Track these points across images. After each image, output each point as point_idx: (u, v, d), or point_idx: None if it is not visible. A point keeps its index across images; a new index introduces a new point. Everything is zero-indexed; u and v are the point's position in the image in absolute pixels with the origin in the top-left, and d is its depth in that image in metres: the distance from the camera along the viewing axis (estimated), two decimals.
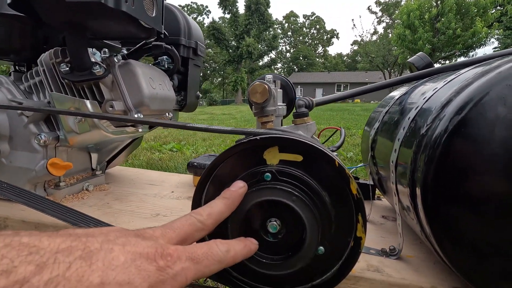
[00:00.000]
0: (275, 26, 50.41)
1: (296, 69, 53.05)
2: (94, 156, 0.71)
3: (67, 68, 0.51)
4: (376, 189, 0.77)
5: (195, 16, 50.78)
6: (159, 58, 0.67)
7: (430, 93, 0.42)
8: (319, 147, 0.36)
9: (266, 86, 0.48)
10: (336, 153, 0.48)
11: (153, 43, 0.61)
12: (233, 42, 37.68)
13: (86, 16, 0.45)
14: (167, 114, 0.66)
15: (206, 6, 51.58)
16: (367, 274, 0.44)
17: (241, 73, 37.87)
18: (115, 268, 0.17)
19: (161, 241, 0.21)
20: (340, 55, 64.12)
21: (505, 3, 7.39)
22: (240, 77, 36.80)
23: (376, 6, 42.51)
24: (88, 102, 0.51)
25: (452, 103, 0.35)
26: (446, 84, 0.40)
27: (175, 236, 0.23)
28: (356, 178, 0.78)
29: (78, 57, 0.51)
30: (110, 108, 0.52)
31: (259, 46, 40.05)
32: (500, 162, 0.31)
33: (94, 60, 0.54)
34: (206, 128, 0.40)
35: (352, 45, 62.23)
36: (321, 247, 0.35)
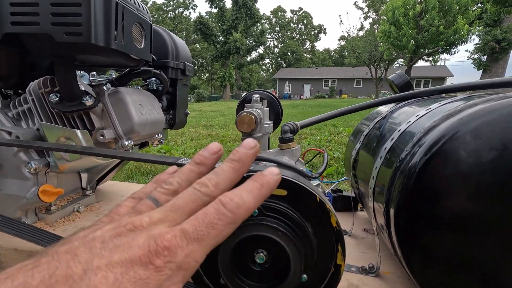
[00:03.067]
0: (263, 21, 50.16)
1: (284, 64, 53.09)
2: (84, 176, 0.71)
3: (57, 98, 0.52)
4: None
5: (181, 10, 49.84)
6: (148, 80, 0.68)
7: (404, 126, 0.45)
8: (302, 184, 0.39)
9: (253, 116, 0.51)
10: (318, 182, 0.51)
11: (142, 68, 0.62)
12: (220, 37, 37.28)
13: (76, 52, 0.46)
14: (156, 135, 0.67)
15: (193, 0, 50.66)
16: None
17: (229, 69, 37.59)
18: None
19: (155, 231, 0.18)
20: (327, 51, 64.53)
21: (485, 1, 7.62)
22: (228, 73, 36.53)
23: (363, 2, 42.97)
24: (78, 132, 0.52)
25: (421, 142, 0.39)
26: (418, 119, 0.44)
27: (179, 218, 0.19)
28: (340, 191, 0.82)
29: (67, 88, 0.51)
30: (101, 137, 0.53)
31: (247, 41, 39.80)
32: (462, 195, 0.35)
33: (83, 88, 0.55)
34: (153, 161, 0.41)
35: (339, 40, 62.74)
36: (305, 275, 0.39)
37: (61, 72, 0.51)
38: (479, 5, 13.79)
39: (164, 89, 0.68)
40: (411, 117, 0.47)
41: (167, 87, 0.69)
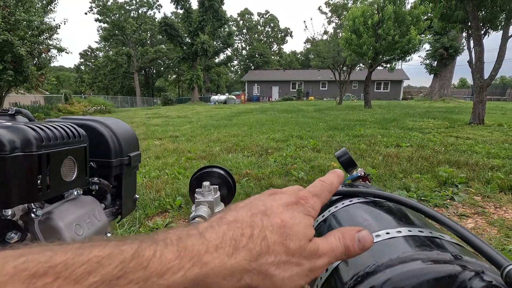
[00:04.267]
0: (230, 23, 50.02)
1: (253, 66, 53.40)
2: None
3: None
4: None
5: (145, 10, 48.00)
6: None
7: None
8: None
9: None
10: None
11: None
12: (187, 39, 36.50)
13: None
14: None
15: (157, 0, 49.01)
16: None
17: (197, 71, 36.95)
18: (283, 213, 0.26)
19: (295, 195, 0.29)
20: (294, 53, 66.07)
21: (433, 17, 8.32)
22: (196, 75, 35.89)
23: (326, 7, 44.60)
24: None
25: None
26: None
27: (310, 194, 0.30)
28: None
29: None
30: None
31: (214, 43, 39.41)
32: None
33: (7, 220, 0.51)
34: None
35: (305, 43, 64.50)
36: None
37: None
38: (430, 14, 15.00)
39: (107, 192, 0.66)
40: None
41: (110, 190, 0.66)
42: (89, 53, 55.56)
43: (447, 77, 25.07)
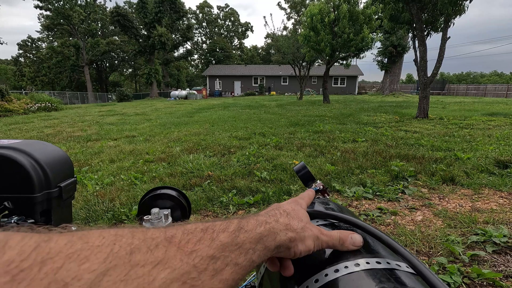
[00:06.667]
0: (189, 15, 48.37)
1: (214, 61, 52.45)
2: None
3: None
4: None
5: None
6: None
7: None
8: None
9: None
10: None
11: None
12: (143, 31, 34.55)
13: None
14: None
15: None
16: None
17: (155, 65, 35.26)
18: (290, 206, 0.37)
19: (294, 200, 0.41)
20: (255, 48, 66.22)
21: (383, 17, 8.87)
22: (154, 69, 34.24)
23: (285, 3, 45.24)
24: None
25: None
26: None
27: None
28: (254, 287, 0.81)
29: None
30: None
31: (173, 36, 37.88)
32: None
33: None
34: None
35: (265, 38, 64.89)
36: None
37: None
38: (380, 14, 15.96)
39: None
40: (307, 280, 0.46)
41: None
42: (29, 43, 49.90)
43: (396, 73, 27.11)
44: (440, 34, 7.43)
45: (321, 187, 0.78)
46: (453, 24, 7.43)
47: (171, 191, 0.80)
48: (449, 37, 7.16)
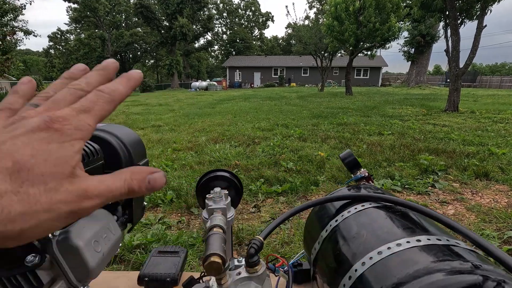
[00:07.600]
0: (210, 6, 48.34)
1: (234, 52, 52.37)
2: None
3: None
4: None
5: None
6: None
7: (365, 264, 0.48)
8: None
9: (220, 261, 0.51)
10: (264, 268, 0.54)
11: None
12: (165, 22, 35.00)
13: None
14: None
15: None
16: None
17: (176, 56, 35.76)
18: (19, 150, 0.18)
19: (46, 113, 0.21)
20: (276, 38, 65.32)
21: (413, 5, 8.47)
22: (175, 60, 34.75)
23: None
24: None
25: None
26: (382, 259, 0.47)
27: (63, 105, 0.22)
28: (300, 265, 0.87)
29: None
30: None
31: (194, 27, 38.12)
32: None
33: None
34: None
35: (286, 28, 63.83)
36: None
37: None
38: (408, 1, 15.20)
39: (119, 204, 0.64)
40: (371, 252, 0.50)
41: (122, 202, 0.64)
42: (58, 35, 52.06)
43: (423, 64, 25.89)
44: (474, 22, 7.03)
45: (366, 174, 0.82)
46: (490, 12, 6.99)
47: (226, 174, 0.87)
48: (485, 26, 6.76)
